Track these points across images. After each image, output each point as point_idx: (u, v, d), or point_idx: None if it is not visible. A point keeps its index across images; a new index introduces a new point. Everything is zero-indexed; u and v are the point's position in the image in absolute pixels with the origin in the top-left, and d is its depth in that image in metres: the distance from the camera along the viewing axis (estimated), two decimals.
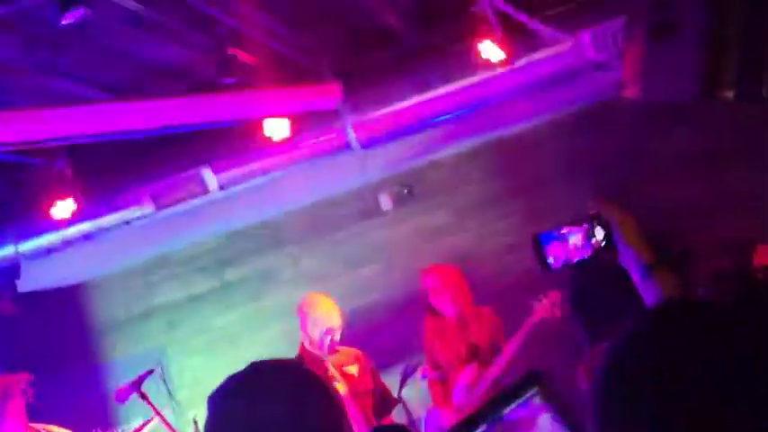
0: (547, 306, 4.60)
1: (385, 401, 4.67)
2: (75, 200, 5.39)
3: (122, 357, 7.46)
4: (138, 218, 5.77)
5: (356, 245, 6.96)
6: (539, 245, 2.10)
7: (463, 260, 6.70)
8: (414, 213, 6.82)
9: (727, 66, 3.95)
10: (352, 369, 4.53)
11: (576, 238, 2.09)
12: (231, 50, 4.60)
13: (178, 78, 4.87)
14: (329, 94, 5.05)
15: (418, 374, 4.95)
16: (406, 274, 6.38)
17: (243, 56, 4.68)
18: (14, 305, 6.19)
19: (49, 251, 5.83)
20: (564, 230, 2.10)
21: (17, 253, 5.76)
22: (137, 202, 5.74)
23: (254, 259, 7.23)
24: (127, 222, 5.79)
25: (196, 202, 5.88)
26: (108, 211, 5.71)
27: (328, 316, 4.50)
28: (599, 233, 2.06)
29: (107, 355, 7.51)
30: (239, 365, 1.60)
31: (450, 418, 4.62)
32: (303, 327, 4.61)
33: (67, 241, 5.79)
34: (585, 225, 2.09)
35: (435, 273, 5.07)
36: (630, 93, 4.16)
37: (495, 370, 4.67)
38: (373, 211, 6.79)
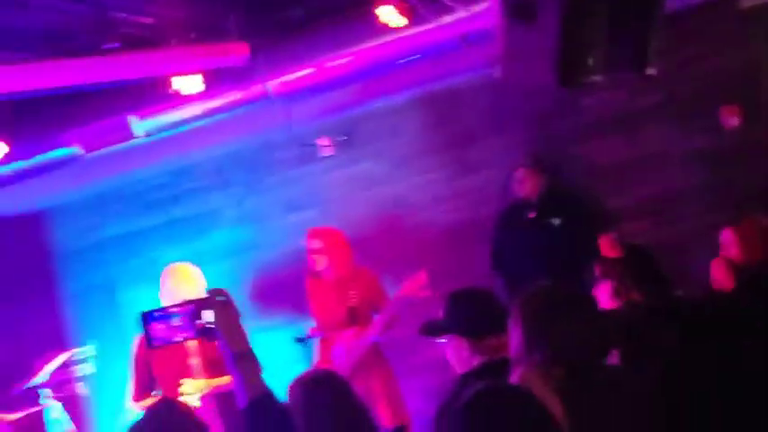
0: (413, 286, 4.75)
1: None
2: (6, 142, 5.61)
3: (78, 286, 7.81)
4: (68, 160, 6.00)
5: (295, 189, 7.16)
6: (143, 322, 2.26)
7: (396, 208, 6.90)
8: (350, 161, 6.96)
9: (592, 48, 3.96)
10: None
11: (177, 320, 2.26)
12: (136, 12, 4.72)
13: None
14: (237, 52, 5.17)
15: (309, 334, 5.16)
16: (341, 220, 6.56)
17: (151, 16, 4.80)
18: None
19: None
20: (171, 310, 2.27)
21: None
22: (66, 144, 5.96)
23: (201, 198, 7.46)
24: (58, 164, 6.03)
25: (142, 140, 6.10)
26: (38, 152, 5.94)
27: (177, 289, 4.59)
28: (206, 315, 2.24)
29: (63, 283, 7.85)
30: None
31: None
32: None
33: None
34: (191, 307, 2.26)
35: (316, 235, 5.24)
36: (498, 74, 4.21)
37: (370, 335, 4.87)
38: (312, 158, 6.94)
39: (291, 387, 2.90)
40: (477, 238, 6.48)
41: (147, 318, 2.24)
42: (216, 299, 2.25)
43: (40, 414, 5.12)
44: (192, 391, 4.43)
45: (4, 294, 7.02)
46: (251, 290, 7.05)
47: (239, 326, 2.25)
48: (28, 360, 5.59)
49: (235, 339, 2.23)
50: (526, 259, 5.94)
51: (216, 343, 2.25)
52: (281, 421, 2.19)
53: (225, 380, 4.30)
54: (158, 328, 2.23)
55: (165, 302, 4.58)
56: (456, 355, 3.18)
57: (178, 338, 2.26)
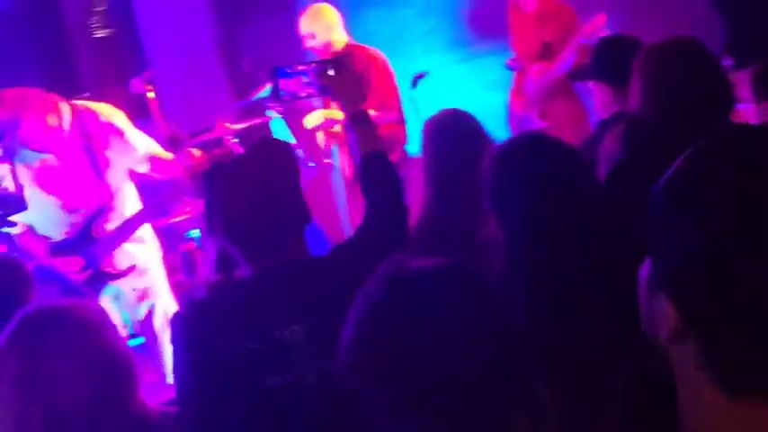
0: (592, 27, 4.58)
1: None
2: None
3: None
4: None
5: None
6: (274, 76, 2.41)
7: None
8: None
9: None
10: None
11: (305, 77, 2.39)
12: None
13: None
14: None
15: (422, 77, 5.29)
16: None
17: None
18: None
19: None
20: (300, 68, 2.40)
21: None
22: None
23: None
24: None
25: None
26: None
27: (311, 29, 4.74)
28: (330, 75, 2.36)
29: None
30: None
31: (520, 106, 5.03)
32: None
33: None
34: (317, 66, 2.38)
35: None
36: None
37: (556, 71, 4.86)
38: None
39: (427, 123, 3.13)
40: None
41: (278, 72, 2.45)
42: (339, 60, 2.42)
43: (265, 125, 5.62)
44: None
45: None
46: (466, 17, 7.11)
47: (359, 88, 2.41)
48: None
49: (351, 101, 2.38)
50: None
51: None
52: (389, 175, 2.39)
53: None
54: (287, 83, 2.45)
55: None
56: (600, 100, 3.23)
57: (303, 94, 2.47)
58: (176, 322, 2.21)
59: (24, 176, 3.88)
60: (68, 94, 4.42)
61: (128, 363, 1.90)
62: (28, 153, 3.89)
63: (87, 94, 4.56)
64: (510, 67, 5.22)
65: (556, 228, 1.98)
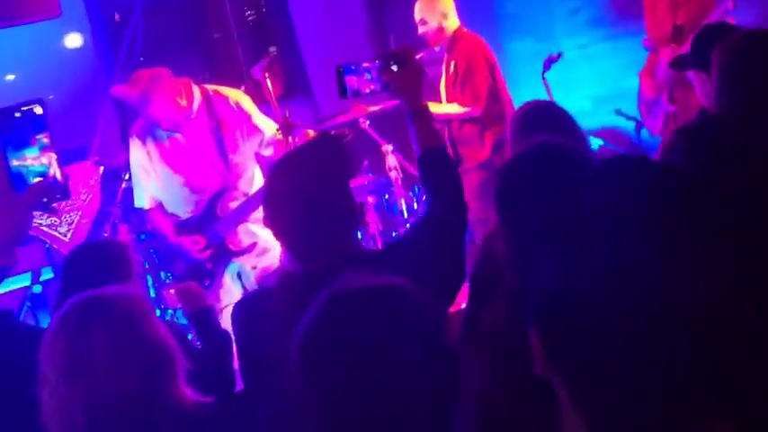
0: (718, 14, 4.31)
1: None
2: None
3: None
4: None
5: None
6: (338, 74, 2.43)
7: None
8: None
9: None
10: None
11: (368, 74, 2.40)
12: None
13: None
14: None
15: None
16: None
17: None
18: None
19: None
20: (364, 65, 2.41)
21: None
22: None
23: None
24: None
25: None
26: None
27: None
28: (392, 70, 2.36)
29: None
30: None
31: (650, 89, 4.83)
32: None
33: None
34: (380, 62, 2.38)
35: None
36: None
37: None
38: None
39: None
40: None
41: (344, 70, 2.49)
42: (403, 55, 2.44)
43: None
44: None
45: None
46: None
47: (419, 84, 2.41)
48: None
49: (413, 97, 2.37)
50: None
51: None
52: (450, 168, 2.38)
53: None
54: (351, 80, 2.49)
55: None
56: (701, 90, 3.09)
57: (367, 91, 2.51)
58: (235, 306, 2.34)
59: (155, 155, 4.25)
60: (231, 83, 4.69)
61: (169, 355, 1.91)
62: (158, 132, 4.21)
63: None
64: (646, 47, 5.03)
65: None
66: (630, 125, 5.50)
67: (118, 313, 1.91)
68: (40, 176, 2.25)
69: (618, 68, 5.97)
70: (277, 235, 2.22)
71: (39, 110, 2.24)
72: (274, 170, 2.27)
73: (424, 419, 1.26)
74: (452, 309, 2.38)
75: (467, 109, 4.74)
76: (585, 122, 3.60)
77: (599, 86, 6.21)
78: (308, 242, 2.14)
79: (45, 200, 2.26)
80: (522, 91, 5.27)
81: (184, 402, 1.93)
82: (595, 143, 5.59)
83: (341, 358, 1.27)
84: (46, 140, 2.22)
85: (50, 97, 5.51)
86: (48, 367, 1.86)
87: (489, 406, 1.77)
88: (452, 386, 1.28)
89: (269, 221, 2.23)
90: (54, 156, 2.20)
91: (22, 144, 2.21)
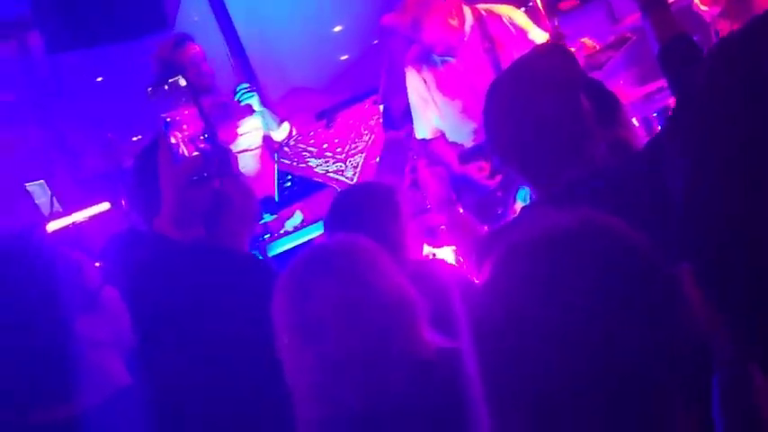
0: None
1: None
2: None
3: None
4: None
5: None
6: None
7: None
8: None
9: None
10: None
11: None
12: None
13: None
14: None
15: None
16: None
17: None
18: None
19: None
20: None
21: None
22: None
23: None
24: None
25: None
26: None
27: None
28: None
29: None
30: None
31: None
32: None
33: None
34: None
35: None
36: None
37: None
38: None
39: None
40: None
41: None
42: None
43: None
44: None
45: None
46: None
47: None
48: None
49: None
50: None
51: None
52: (696, 55, 2.04)
53: None
54: None
55: None
56: None
57: None
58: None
59: (431, 82, 4.07)
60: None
61: (404, 304, 1.70)
62: (433, 57, 4.03)
63: None
64: None
65: None
66: None
67: (339, 268, 1.71)
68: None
69: None
70: (505, 160, 1.97)
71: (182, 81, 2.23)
72: (494, 86, 2.05)
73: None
74: None
75: None
76: None
77: None
78: (541, 161, 1.91)
79: (206, 174, 2.10)
80: None
81: (431, 351, 1.71)
82: None
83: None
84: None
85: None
86: (278, 324, 1.73)
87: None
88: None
89: (495, 146, 1.99)
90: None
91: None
